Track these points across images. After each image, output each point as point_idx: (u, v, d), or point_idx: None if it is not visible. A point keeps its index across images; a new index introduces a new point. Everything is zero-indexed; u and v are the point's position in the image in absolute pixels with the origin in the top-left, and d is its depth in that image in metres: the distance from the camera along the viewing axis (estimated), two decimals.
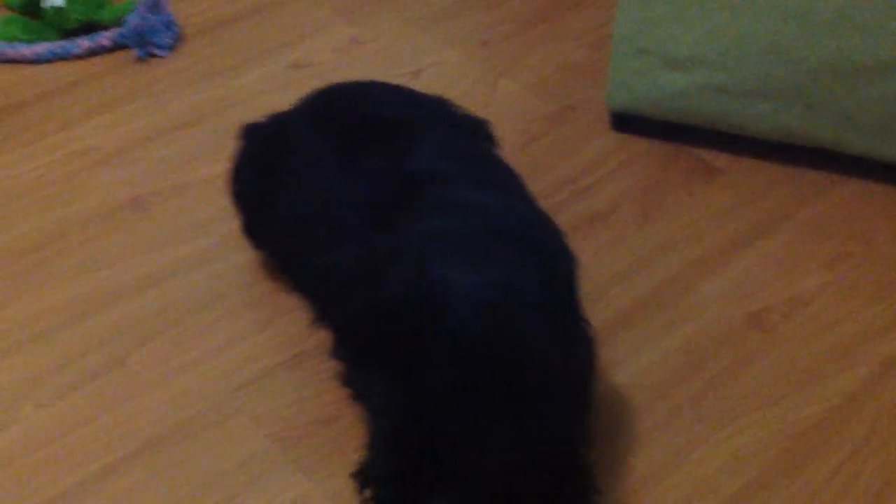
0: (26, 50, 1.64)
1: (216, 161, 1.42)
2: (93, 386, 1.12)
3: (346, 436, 1.07)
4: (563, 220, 1.27)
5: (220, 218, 1.33)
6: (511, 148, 1.23)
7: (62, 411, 1.09)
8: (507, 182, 1.10)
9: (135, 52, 1.65)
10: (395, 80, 1.25)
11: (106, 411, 1.09)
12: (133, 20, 1.64)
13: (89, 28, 1.71)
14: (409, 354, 0.80)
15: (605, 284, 1.25)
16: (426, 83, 1.60)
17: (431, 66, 1.66)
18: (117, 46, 1.67)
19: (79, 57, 1.65)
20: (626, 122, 1.49)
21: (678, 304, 1.22)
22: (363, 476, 0.86)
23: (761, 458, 1.04)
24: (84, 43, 1.65)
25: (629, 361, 1.14)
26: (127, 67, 1.64)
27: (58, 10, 1.68)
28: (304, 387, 1.12)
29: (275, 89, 1.59)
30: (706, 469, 1.03)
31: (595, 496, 0.95)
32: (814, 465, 1.03)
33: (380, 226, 0.98)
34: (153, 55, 1.66)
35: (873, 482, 1.01)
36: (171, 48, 1.67)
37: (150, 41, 1.65)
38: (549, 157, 1.45)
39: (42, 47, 1.64)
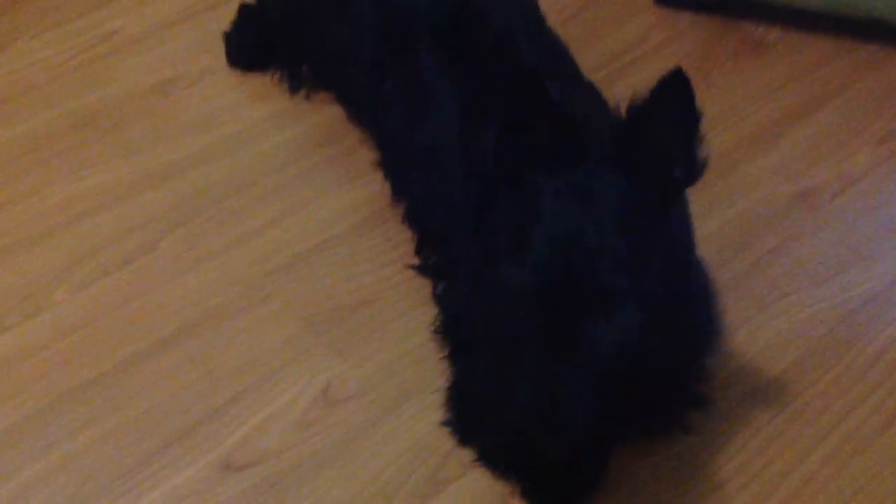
0: None
1: None
2: (125, 271, 1.11)
3: (379, 319, 1.05)
4: (606, 98, 1.22)
5: (248, 103, 1.29)
6: (551, 24, 1.17)
7: (95, 296, 1.08)
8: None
9: None
10: None
11: (139, 296, 1.08)
12: None
13: None
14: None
15: None
16: None
17: None
18: None
19: None
20: None
21: (725, 183, 1.18)
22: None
23: (806, 339, 1.01)
24: None
25: None
26: None
27: None
28: (337, 271, 1.10)
29: None
30: (751, 349, 1.00)
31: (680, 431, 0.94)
32: (858, 346, 1.00)
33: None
34: None
35: None
36: None
37: None
38: (591, 33, 1.39)
39: None
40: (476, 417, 0.93)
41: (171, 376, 1.01)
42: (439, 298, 1.04)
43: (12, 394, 0.99)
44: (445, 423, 0.96)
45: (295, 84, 1.29)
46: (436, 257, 1.08)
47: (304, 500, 0.93)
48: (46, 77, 1.35)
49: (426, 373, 1.00)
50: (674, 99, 0.78)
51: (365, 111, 1.19)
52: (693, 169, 0.80)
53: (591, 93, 1.06)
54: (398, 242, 1.12)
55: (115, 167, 1.22)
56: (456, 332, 0.99)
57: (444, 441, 0.95)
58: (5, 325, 1.05)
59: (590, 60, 1.33)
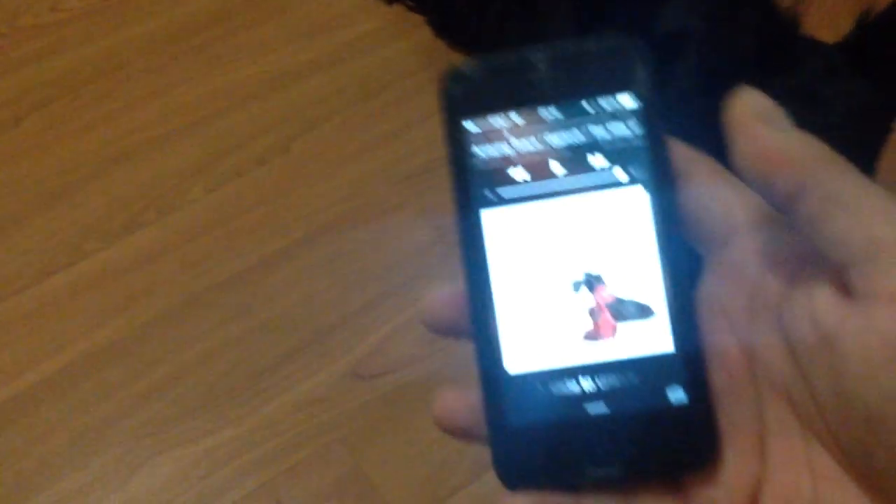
0: None
1: None
2: (258, 172, 1.10)
3: None
4: None
5: (377, 5, 1.25)
6: None
7: (229, 196, 1.08)
8: None
9: None
10: None
11: (271, 198, 1.07)
12: None
13: None
14: None
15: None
16: None
17: None
18: None
19: None
20: None
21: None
22: None
23: None
24: None
25: None
26: None
27: None
28: None
29: None
30: None
31: None
32: None
33: None
34: None
35: None
36: None
37: None
38: None
39: None
40: None
41: (303, 281, 1.00)
42: None
43: (147, 292, 1.01)
44: None
45: None
46: None
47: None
48: None
49: None
50: None
51: None
52: None
53: None
54: None
55: (248, 65, 1.20)
56: None
57: None
58: (141, 222, 1.06)
59: None
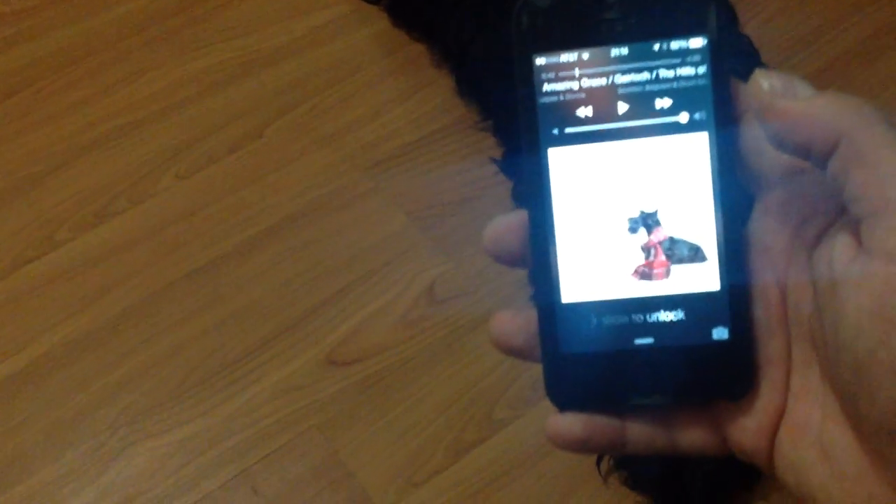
0: None
1: None
2: (231, 158, 1.09)
3: (486, 215, 1.01)
4: None
5: None
6: None
7: (201, 183, 1.07)
8: None
9: None
10: None
11: (244, 185, 1.07)
12: None
13: None
14: None
15: (785, 50, 1.11)
16: None
17: None
18: None
19: None
20: None
21: (862, 77, 1.08)
22: None
23: None
24: None
25: None
26: None
27: None
28: (444, 164, 1.06)
29: None
30: None
31: None
32: None
33: None
34: None
35: None
36: None
37: None
38: None
39: None
40: None
41: (276, 268, 1.00)
42: (519, 198, 1.00)
43: (119, 282, 1.00)
44: None
45: None
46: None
47: (408, 399, 0.91)
48: None
49: None
50: None
51: None
52: None
53: None
54: None
55: (219, 51, 1.19)
56: None
57: None
58: (112, 212, 1.06)
59: None
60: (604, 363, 0.36)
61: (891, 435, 0.29)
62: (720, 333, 0.35)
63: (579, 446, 0.35)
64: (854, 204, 0.30)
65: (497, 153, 1.05)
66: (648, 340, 0.35)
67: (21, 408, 0.92)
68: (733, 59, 0.81)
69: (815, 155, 0.31)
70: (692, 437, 0.35)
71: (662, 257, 0.35)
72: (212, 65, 1.18)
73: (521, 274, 0.97)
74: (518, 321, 0.37)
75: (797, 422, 0.33)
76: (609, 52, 0.35)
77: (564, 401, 0.36)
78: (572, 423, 0.35)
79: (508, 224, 0.37)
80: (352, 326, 0.96)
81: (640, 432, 0.35)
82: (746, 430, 0.34)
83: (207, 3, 1.24)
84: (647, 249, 0.35)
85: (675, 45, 0.35)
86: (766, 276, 0.35)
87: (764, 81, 0.32)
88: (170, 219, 1.05)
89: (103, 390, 0.93)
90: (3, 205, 1.06)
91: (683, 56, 0.35)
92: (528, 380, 0.91)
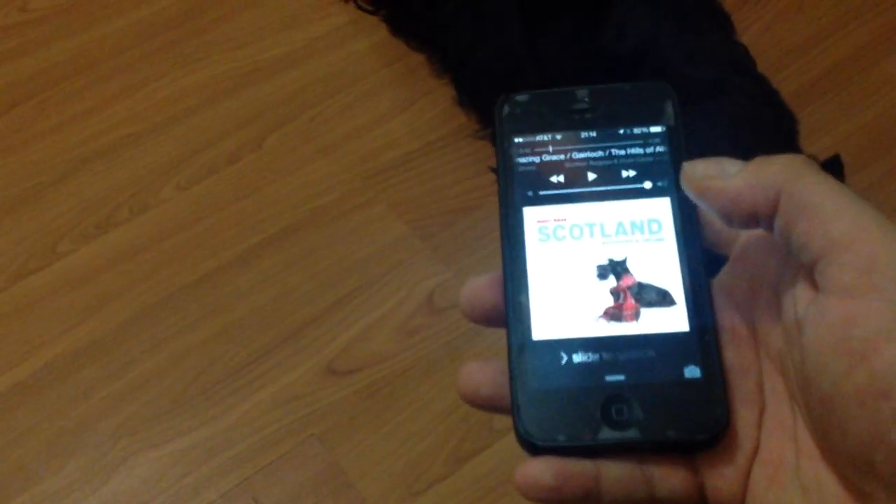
0: None
1: None
2: (231, 169, 1.10)
3: (485, 225, 1.02)
4: None
5: None
6: None
7: (202, 194, 1.08)
8: None
9: None
10: None
11: (244, 195, 1.07)
12: None
13: None
14: None
15: (783, 58, 1.12)
16: None
17: None
18: None
19: None
20: None
21: (858, 85, 1.09)
22: None
23: None
24: None
25: (805, 144, 1.03)
26: None
27: None
28: (442, 174, 1.07)
29: None
30: None
31: None
32: None
33: None
34: None
35: None
36: None
37: None
38: None
39: None
40: None
41: (276, 278, 1.00)
42: None
43: (120, 293, 1.01)
44: None
45: None
46: None
47: (408, 408, 0.92)
48: None
49: None
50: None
51: None
52: None
53: None
54: None
55: (219, 62, 1.20)
56: None
57: None
58: (114, 222, 1.06)
59: None
60: (575, 399, 0.35)
61: (866, 466, 0.29)
62: (692, 372, 0.35)
63: (551, 495, 0.34)
64: (803, 252, 0.31)
65: (495, 162, 1.06)
66: (620, 377, 0.35)
67: (23, 418, 0.93)
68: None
69: (762, 220, 0.33)
70: (670, 484, 0.34)
71: (632, 300, 0.36)
72: (212, 76, 1.19)
73: None
74: (487, 371, 0.37)
75: (772, 460, 0.33)
76: (580, 134, 0.39)
77: (535, 440, 0.35)
78: (543, 471, 0.34)
79: (483, 282, 0.38)
80: (352, 336, 0.96)
81: (615, 480, 0.34)
82: (724, 474, 0.34)
83: (207, 15, 1.25)
84: (616, 293, 0.37)
85: (638, 130, 0.39)
86: (734, 316, 0.36)
87: (694, 170, 0.35)
88: (171, 229, 1.05)
89: (105, 401, 0.94)
90: (5, 216, 1.07)
91: (645, 139, 0.39)
92: None
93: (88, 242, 1.05)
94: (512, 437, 0.88)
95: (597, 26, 0.92)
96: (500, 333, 0.97)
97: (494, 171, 1.04)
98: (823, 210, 0.31)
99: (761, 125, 0.87)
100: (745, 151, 0.81)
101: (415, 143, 1.09)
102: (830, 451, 0.31)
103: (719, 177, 0.34)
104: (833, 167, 0.77)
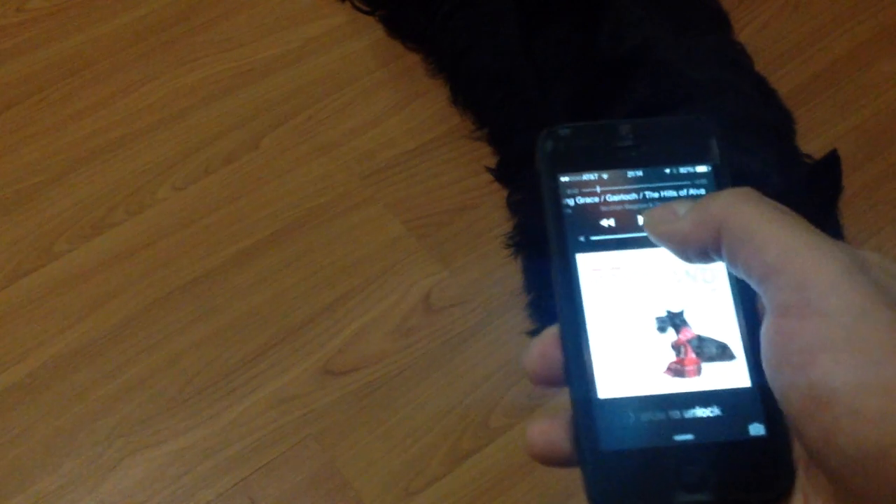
0: None
1: None
2: (227, 170, 1.10)
3: (481, 224, 1.02)
4: None
5: None
6: None
7: (198, 194, 1.08)
8: None
9: None
10: None
11: (241, 195, 1.07)
12: None
13: None
14: None
15: (779, 57, 1.12)
16: None
17: None
18: None
19: None
20: None
21: (854, 84, 1.09)
22: None
23: None
24: None
25: (801, 143, 1.04)
26: None
27: None
28: (439, 174, 1.07)
29: None
30: None
31: None
32: None
33: None
34: None
35: None
36: None
37: None
38: None
39: None
40: None
41: (272, 278, 1.00)
42: (515, 206, 1.01)
43: (117, 293, 1.00)
44: (531, 334, 0.94)
45: None
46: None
47: (404, 407, 0.92)
48: None
49: None
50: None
51: None
52: None
53: None
54: None
55: (215, 62, 1.20)
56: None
57: None
58: (111, 223, 1.06)
59: None
60: (645, 460, 0.35)
61: (829, 472, 0.31)
62: (757, 430, 0.35)
63: None
64: (749, 279, 0.33)
65: (492, 162, 1.06)
66: (688, 437, 0.35)
67: (19, 419, 0.93)
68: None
69: (713, 253, 0.34)
70: None
71: (693, 355, 0.36)
72: (208, 76, 1.18)
73: (517, 284, 0.98)
74: (553, 428, 0.36)
75: None
76: (626, 174, 0.38)
77: (606, 501, 0.35)
78: None
79: (544, 342, 0.37)
80: (348, 336, 0.96)
81: None
82: None
83: (203, 14, 1.25)
84: (677, 348, 0.36)
85: (685, 170, 0.38)
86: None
87: (651, 217, 0.36)
88: (167, 229, 1.05)
89: (101, 401, 0.94)
90: (1, 216, 1.07)
91: (693, 179, 0.38)
92: (523, 388, 0.91)
93: (84, 242, 1.05)
94: (510, 435, 0.89)
95: (594, 27, 0.92)
96: (497, 334, 0.97)
97: (490, 170, 1.04)
98: (760, 238, 0.32)
99: (760, 125, 0.87)
100: (744, 151, 0.81)
101: (411, 143, 1.10)
102: (817, 463, 0.32)
103: (671, 220, 0.35)
104: (831, 163, 0.77)
